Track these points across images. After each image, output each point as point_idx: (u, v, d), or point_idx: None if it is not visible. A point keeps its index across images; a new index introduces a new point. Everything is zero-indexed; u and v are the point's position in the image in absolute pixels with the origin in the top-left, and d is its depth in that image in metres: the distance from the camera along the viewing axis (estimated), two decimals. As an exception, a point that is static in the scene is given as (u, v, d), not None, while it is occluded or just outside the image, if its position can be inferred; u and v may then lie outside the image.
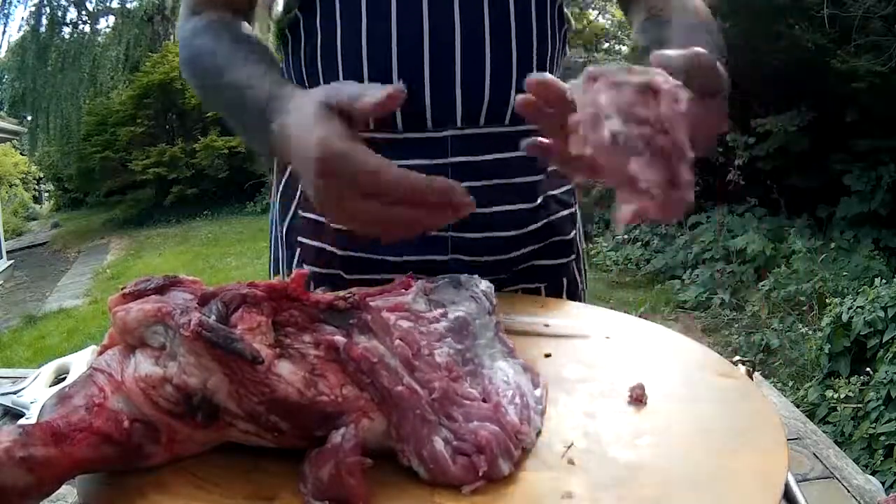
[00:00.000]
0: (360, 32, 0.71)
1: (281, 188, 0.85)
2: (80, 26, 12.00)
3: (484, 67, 0.72)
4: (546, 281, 0.82)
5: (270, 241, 0.89)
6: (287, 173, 0.85)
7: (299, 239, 0.81)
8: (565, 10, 0.80)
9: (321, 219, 0.78)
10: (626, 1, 0.83)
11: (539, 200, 0.79)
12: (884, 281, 3.48)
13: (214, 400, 0.42)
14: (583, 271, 0.88)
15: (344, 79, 0.73)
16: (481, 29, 0.71)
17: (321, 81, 0.74)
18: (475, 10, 0.71)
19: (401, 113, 0.71)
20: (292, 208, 0.83)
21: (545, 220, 0.80)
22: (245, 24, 0.73)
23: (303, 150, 0.49)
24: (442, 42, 0.70)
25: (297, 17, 0.76)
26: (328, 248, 0.78)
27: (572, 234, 0.85)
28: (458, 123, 0.72)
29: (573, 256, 0.85)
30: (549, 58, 0.78)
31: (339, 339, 0.44)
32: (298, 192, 0.81)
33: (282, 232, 0.85)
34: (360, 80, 0.70)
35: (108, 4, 12.06)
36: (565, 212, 0.83)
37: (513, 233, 0.77)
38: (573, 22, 0.83)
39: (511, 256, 0.78)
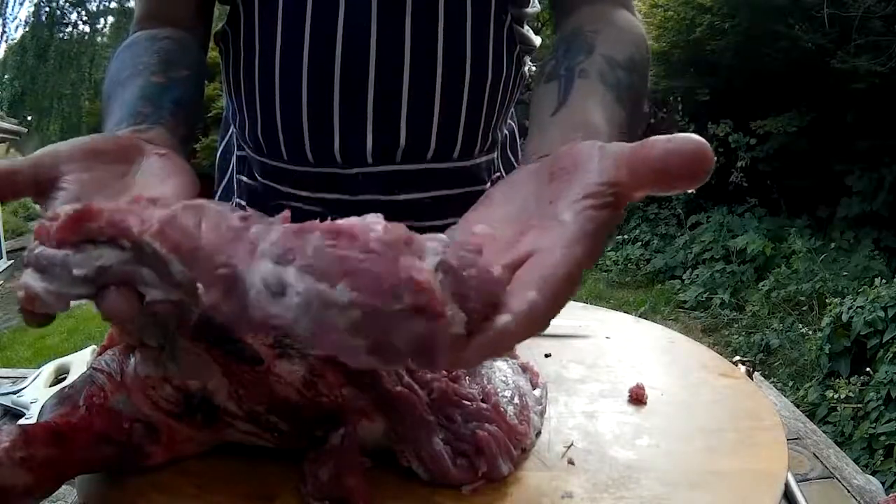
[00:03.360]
0: (274, 60, 0.66)
1: (217, 198, 0.85)
2: (81, 26, 12.00)
3: (400, 104, 0.65)
4: None
5: None
6: (223, 183, 0.84)
7: None
8: (521, 28, 0.72)
9: None
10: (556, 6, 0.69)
11: None
12: (884, 281, 3.49)
13: (214, 400, 0.42)
14: None
15: (260, 104, 0.68)
16: (400, 64, 0.64)
17: (243, 99, 0.70)
18: (394, 47, 0.64)
19: (310, 146, 0.67)
20: None
21: None
22: (176, 41, 0.64)
23: None
24: (353, 78, 0.64)
25: (227, 30, 0.71)
26: None
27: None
28: (369, 160, 0.67)
29: None
30: (486, 88, 0.68)
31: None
32: (233, 203, 0.80)
33: None
34: (273, 109, 0.67)
35: (108, 4, 12.06)
36: None
37: None
38: (534, 39, 0.74)
39: None
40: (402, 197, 0.69)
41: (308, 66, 0.65)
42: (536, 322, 0.30)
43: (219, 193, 0.85)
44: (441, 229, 0.75)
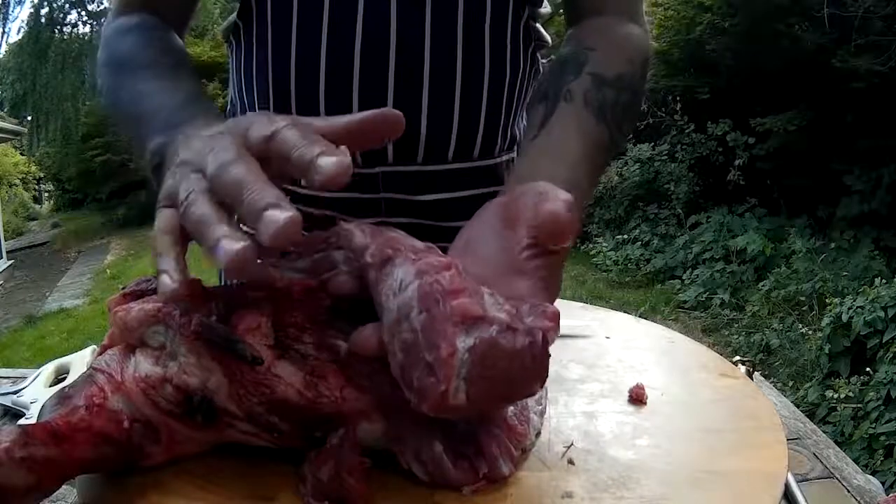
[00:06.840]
0: (289, 58, 0.65)
1: None
2: (81, 27, 11.99)
3: (420, 104, 0.65)
4: None
5: None
6: None
7: None
8: (535, 24, 0.72)
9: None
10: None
11: None
12: (884, 281, 3.49)
13: (214, 400, 0.42)
14: None
15: (274, 97, 0.67)
16: (420, 60, 0.64)
17: (255, 94, 0.69)
18: (414, 42, 0.63)
19: None
20: None
21: None
22: (173, 35, 0.67)
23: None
24: (372, 75, 0.64)
25: (238, 24, 0.71)
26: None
27: None
28: (390, 160, 0.67)
29: None
30: (505, 84, 0.69)
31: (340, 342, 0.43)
32: None
33: None
34: (289, 107, 0.66)
35: (109, 5, 12.05)
36: None
37: None
38: (547, 36, 0.75)
39: None
40: (425, 198, 0.69)
41: (325, 64, 0.64)
42: None
43: None
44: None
